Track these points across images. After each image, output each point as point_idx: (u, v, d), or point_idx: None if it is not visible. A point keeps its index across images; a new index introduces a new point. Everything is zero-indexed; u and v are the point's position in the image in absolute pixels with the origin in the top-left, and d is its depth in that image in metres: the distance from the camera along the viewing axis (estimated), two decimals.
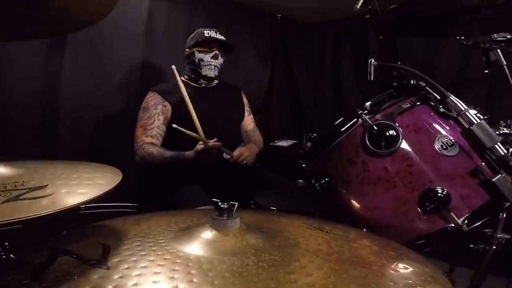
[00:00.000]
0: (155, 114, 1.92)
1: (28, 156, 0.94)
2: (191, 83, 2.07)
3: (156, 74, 2.46)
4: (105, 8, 0.90)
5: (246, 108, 2.30)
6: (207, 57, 2.00)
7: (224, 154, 1.99)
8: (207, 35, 1.99)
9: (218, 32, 2.03)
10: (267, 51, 3.44)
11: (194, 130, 1.73)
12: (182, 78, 2.06)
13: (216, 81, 2.10)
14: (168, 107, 1.95)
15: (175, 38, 2.54)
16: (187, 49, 2.06)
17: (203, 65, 2.01)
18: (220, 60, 2.05)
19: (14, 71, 1.87)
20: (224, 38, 2.03)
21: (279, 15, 3.35)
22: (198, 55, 2.01)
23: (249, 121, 2.30)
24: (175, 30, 2.55)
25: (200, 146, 1.74)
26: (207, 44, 2.00)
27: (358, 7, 1.43)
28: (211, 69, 2.01)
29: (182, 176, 1.86)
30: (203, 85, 2.07)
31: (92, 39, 2.13)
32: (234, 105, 2.23)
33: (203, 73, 2.02)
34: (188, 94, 1.96)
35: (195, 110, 1.88)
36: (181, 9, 2.60)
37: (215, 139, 1.74)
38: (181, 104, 1.92)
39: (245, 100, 2.30)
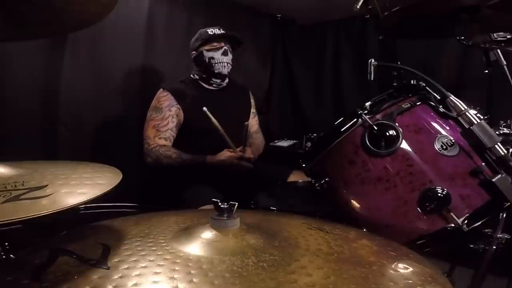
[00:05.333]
0: (169, 116, 1.90)
1: (28, 156, 0.94)
2: (202, 83, 2.05)
3: (156, 74, 2.46)
4: (105, 8, 0.90)
5: (252, 110, 2.28)
6: (217, 55, 1.97)
7: None
8: (211, 33, 1.96)
9: (221, 29, 2.00)
10: (267, 51, 3.44)
11: (212, 137, 1.79)
12: (192, 76, 2.06)
13: (227, 80, 2.08)
14: (181, 110, 1.93)
15: (175, 38, 2.54)
16: (194, 51, 2.03)
17: (215, 63, 1.97)
18: (230, 56, 2.02)
19: (14, 71, 1.87)
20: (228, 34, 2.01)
21: (279, 15, 3.35)
22: (208, 54, 1.97)
23: (253, 123, 2.29)
24: (175, 30, 2.55)
25: (228, 154, 1.79)
26: (215, 40, 1.97)
27: (358, 7, 1.43)
28: (224, 66, 1.98)
29: (191, 174, 1.87)
30: (214, 85, 2.05)
31: (92, 39, 2.13)
32: (242, 106, 2.22)
33: (216, 71, 1.98)
34: (198, 96, 1.98)
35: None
36: (181, 9, 2.60)
37: (241, 148, 1.79)
38: (193, 108, 1.94)
39: (252, 101, 2.29)
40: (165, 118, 1.89)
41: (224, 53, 1.98)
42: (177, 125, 1.93)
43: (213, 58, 1.97)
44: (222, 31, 1.99)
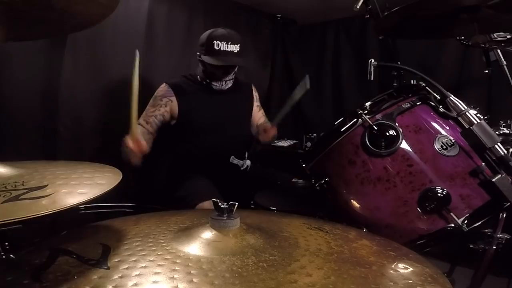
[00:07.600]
0: (158, 105, 1.96)
1: (28, 156, 0.94)
2: (205, 83, 2.02)
3: (156, 74, 2.45)
4: (106, 8, 0.90)
5: (257, 103, 2.26)
6: (218, 72, 1.93)
7: (231, 158, 2.00)
8: (216, 48, 1.86)
9: (231, 43, 1.88)
10: (267, 51, 3.44)
11: (210, 135, 1.72)
12: (196, 74, 2.05)
13: (229, 85, 2.02)
14: (175, 102, 1.95)
15: (175, 38, 2.54)
16: (198, 52, 1.97)
17: (214, 78, 1.95)
18: (232, 70, 1.96)
19: (14, 71, 1.86)
20: (236, 50, 1.90)
21: (279, 15, 3.35)
22: (209, 68, 1.93)
23: (259, 116, 2.28)
24: (175, 30, 2.55)
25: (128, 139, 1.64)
26: (217, 63, 1.88)
27: (358, 7, 1.43)
28: (223, 84, 1.97)
29: (189, 172, 1.88)
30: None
31: (92, 39, 2.13)
32: (244, 102, 2.20)
33: (213, 86, 1.97)
34: (198, 92, 2.00)
35: (206, 112, 1.94)
36: (181, 9, 2.60)
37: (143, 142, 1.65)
38: (190, 102, 1.95)
39: (256, 95, 2.27)
40: (155, 106, 1.96)
41: (226, 72, 1.94)
42: (163, 115, 1.96)
43: (213, 74, 1.94)
44: (230, 46, 1.88)
